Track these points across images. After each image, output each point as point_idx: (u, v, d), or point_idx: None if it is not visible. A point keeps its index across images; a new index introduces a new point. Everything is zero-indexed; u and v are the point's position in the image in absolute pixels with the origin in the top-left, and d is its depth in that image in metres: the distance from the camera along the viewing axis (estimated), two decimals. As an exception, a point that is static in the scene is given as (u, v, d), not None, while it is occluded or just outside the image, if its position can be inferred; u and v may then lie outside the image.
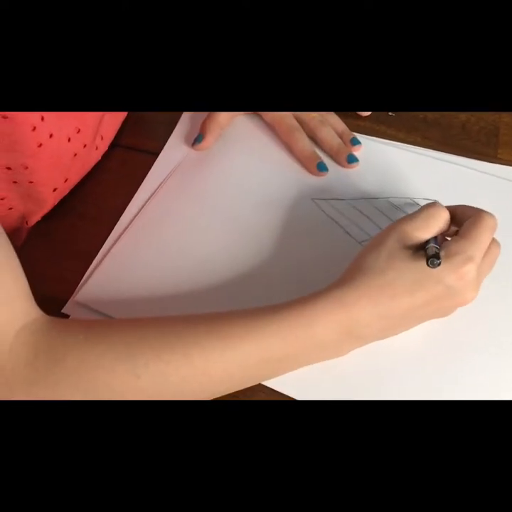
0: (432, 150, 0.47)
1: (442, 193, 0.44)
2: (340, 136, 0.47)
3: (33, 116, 0.38)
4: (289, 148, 0.47)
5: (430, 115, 0.50)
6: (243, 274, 0.41)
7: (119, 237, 0.43)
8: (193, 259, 0.41)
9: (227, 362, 0.32)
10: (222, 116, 0.48)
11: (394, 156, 0.47)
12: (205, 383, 0.32)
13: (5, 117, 0.36)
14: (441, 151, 0.47)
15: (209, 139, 0.47)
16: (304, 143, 0.46)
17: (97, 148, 0.47)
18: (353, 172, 0.46)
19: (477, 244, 0.34)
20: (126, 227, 0.43)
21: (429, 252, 0.32)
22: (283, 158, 0.47)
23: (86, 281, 0.41)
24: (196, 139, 0.47)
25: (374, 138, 0.48)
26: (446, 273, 0.33)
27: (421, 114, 0.50)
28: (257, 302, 0.34)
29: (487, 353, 0.37)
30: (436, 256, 0.32)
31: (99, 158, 0.48)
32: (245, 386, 0.34)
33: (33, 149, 0.39)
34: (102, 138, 0.47)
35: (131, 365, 0.30)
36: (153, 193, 0.45)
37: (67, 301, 0.40)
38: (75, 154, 0.44)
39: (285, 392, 0.36)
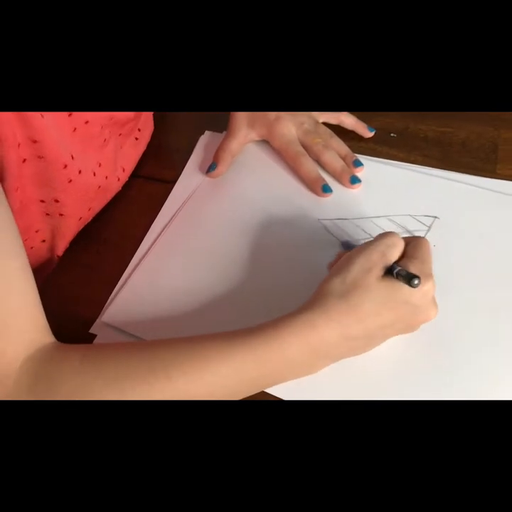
0: (432, 168, 0.50)
1: (443, 210, 0.46)
2: (344, 158, 0.50)
3: (64, 156, 0.42)
4: (296, 172, 0.50)
5: (430, 134, 0.52)
6: (259, 291, 0.44)
7: (140, 261, 0.46)
8: (209, 279, 0.45)
9: (207, 384, 0.34)
10: (233, 145, 0.51)
11: (395, 175, 0.49)
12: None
13: (41, 157, 0.41)
14: (442, 168, 0.49)
15: (222, 167, 0.51)
16: (309, 166, 0.49)
17: (118, 179, 0.51)
18: (357, 192, 0.49)
19: (428, 264, 0.36)
20: (147, 252, 0.47)
21: (405, 274, 0.34)
22: (290, 181, 0.50)
23: (111, 302, 0.44)
24: (210, 167, 0.51)
25: (376, 158, 0.51)
26: (411, 292, 0.35)
27: (421, 133, 0.52)
28: (275, 317, 0.37)
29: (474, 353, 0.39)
30: (414, 276, 0.34)
31: (120, 188, 0.52)
32: (233, 399, 0.36)
33: (64, 184, 0.44)
34: (123, 170, 0.52)
35: (119, 389, 0.33)
36: (171, 219, 0.49)
37: (94, 322, 0.43)
38: (99, 186, 0.48)
39: (272, 392, 0.38)
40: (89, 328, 0.43)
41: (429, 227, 0.46)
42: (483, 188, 0.48)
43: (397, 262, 0.36)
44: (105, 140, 0.47)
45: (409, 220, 0.46)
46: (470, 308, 0.41)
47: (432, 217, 0.46)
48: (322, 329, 0.35)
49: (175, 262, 0.46)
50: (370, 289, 0.35)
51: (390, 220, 0.47)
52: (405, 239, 0.38)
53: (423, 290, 0.35)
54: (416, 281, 0.33)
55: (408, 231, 0.46)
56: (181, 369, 0.34)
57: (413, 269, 0.35)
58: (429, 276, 0.36)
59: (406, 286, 0.34)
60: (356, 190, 0.49)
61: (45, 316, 0.36)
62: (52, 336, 0.37)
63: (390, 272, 0.36)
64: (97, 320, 0.43)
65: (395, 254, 0.37)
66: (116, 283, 0.45)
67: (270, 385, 0.38)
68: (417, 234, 0.45)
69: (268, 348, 0.35)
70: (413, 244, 0.38)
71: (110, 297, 0.45)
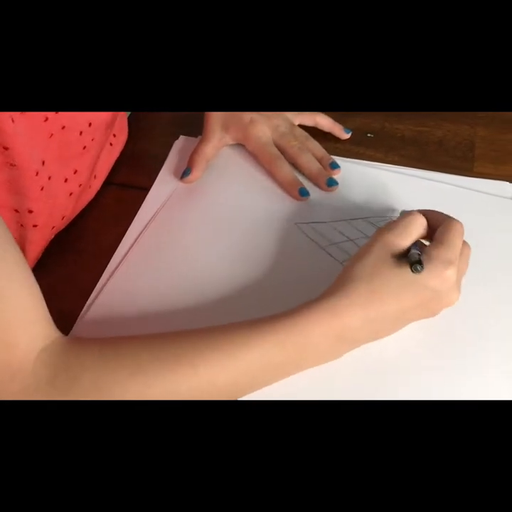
0: (409, 168, 0.49)
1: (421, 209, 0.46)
2: (320, 161, 0.49)
3: (35, 162, 0.41)
4: (272, 176, 0.49)
5: (407, 133, 0.52)
6: (233, 297, 0.43)
7: (114, 271, 0.45)
8: (185, 285, 0.44)
9: (230, 371, 0.34)
10: (208, 149, 0.50)
11: (372, 176, 0.49)
12: (212, 391, 0.34)
13: (13, 165, 0.39)
14: (420, 168, 0.49)
15: (197, 172, 0.50)
16: (285, 170, 0.48)
17: (90, 186, 0.50)
18: (334, 195, 0.48)
19: (453, 249, 0.36)
20: (121, 262, 0.46)
21: (412, 259, 0.34)
22: (266, 185, 0.49)
23: (85, 314, 0.43)
24: (184, 173, 0.50)
25: (353, 160, 0.50)
26: (431, 278, 0.35)
27: (398, 133, 0.52)
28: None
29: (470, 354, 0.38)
30: (419, 262, 0.34)
31: (93, 196, 0.51)
32: (251, 392, 0.36)
33: (37, 192, 0.42)
34: (95, 177, 0.50)
35: (143, 378, 0.33)
36: (146, 227, 0.48)
37: (68, 333, 0.42)
38: (71, 193, 0.46)
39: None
40: (62, 342, 0.42)
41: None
42: (461, 187, 0.47)
43: (421, 244, 0.36)
44: (85, 147, 0.46)
45: (387, 221, 0.46)
46: (449, 309, 0.40)
47: (410, 217, 0.46)
48: (345, 314, 0.35)
49: (150, 270, 0.45)
50: (390, 273, 0.35)
51: (369, 222, 0.46)
52: (438, 218, 0.38)
53: (443, 276, 0.35)
54: (418, 267, 0.33)
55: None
56: (204, 357, 0.34)
57: (434, 253, 0.35)
58: (451, 262, 0.35)
59: (425, 272, 0.34)
60: (334, 192, 0.48)
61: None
62: (60, 332, 0.36)
63: (406, 254, 0.36)
64: (71, 331, 0.42)
65: (413, 235, 0.37)
66: (90, 294, 0.44)
67: (293, 372, 0.37)
68: None
69: (292, 333, 0.35)
70: (442, 227, 0.37)
71: (84, 309, 0.43)
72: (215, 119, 0.51)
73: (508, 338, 0.39)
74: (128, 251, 0.46)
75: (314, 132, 0.51)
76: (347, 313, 0.35)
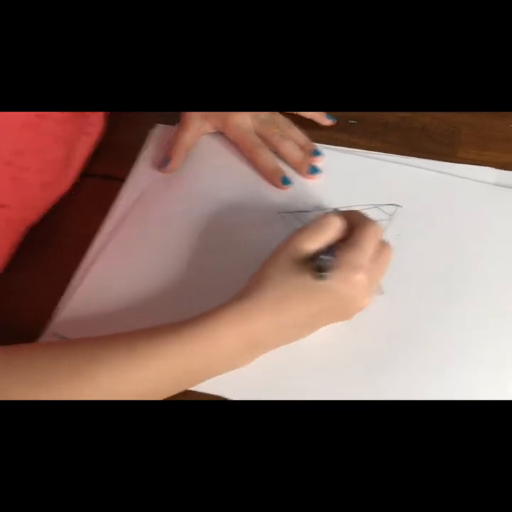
0: (393, 155, 0.48)
1: (405, 198, 0.45)
2: (302, 148, 0.48)
3: (7, 152, 0.39)
4: (253, 164, 0.48)
5: (391, 119, 0.51)
6: (214, 289, 0.41)
7: (90, 266, 0.44)
8: (164, 279, 0.42)
9: (135, 382, 0.33)
10: (188, 138, 0.49)
11: (356, 163, 0.48)
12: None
13: None
14: (403, 154, 0.48)
15: (175, 162, 0.48)
16: (266, 158, 0.47)
17: (65, 177, 0.48)
18: (317, 183, 0.47)
19: (364, 253, 0.35)
20: (97, 256, 0.44)
21: (317, 265, 0.33)
22: (248, 174, 0.48)
23: (61, 310, 0.41)
24: (163, 163, 0.48)
25: (336, 147, 0.49)
26: (339, 283, 0.34)
27: (382, 119, 0.51)
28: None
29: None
30: (321, 269, 0.33)
31: (68, 187, 0.49)
32: (162, 397, 0.35)
33: (8, 183, 0.40)
34: (70, 167, 0.49)
35: (38, 395, 0.31)
36: (122, 219, 0.46)
37: (43, 331, 0.41)
38: (44, 184, 0.45)
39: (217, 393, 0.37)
40: (37, 339, 0.40)
41: (391, 215, 0.44)
42: (445, 173, 0.47)
43: (336, 247, 0.35)
44: (58, 136, 0.44)
45: (372, 210, 0.45)
46: (434, 297, 0.40)
47: (395, 205, 0.45)
48: (254, 319, 0.34)
49: (127, 263, 0.44)
50: (297, 279, 0.34)
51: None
52: (355, 219, 0.37)
53: (351, 281, 0.34)
54: (322, 275, 0.32)
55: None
56: (107, 367, 0.32)
57: (343, 258, 0.34)
58: (361, 266, 0.34)
59: (333, 278, 0.33)
60: (316, 180, 0.47)
61: None
62: None
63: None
64: (46, 330, 0.41)
65: (321, 239, 0.35)
66: (65, 290, 0.43)
67: (204, 380, 0.36)
68: (380, 224, 0.44)
69: (200, 341, 0.33)
70: (356, 230, 0.36)
71: (59, 305, 0.42)
72: (194, 106, 0.50)
73: (491, 325, 0.39)
74: (104, 245, 0.45)
75: (296, 120, 0.50)
76: (257, 319, 0.34)
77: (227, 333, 0.34)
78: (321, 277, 0.33)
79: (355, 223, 0.37)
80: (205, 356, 0.34)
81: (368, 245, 0.35)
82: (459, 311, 0.39)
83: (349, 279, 0.34)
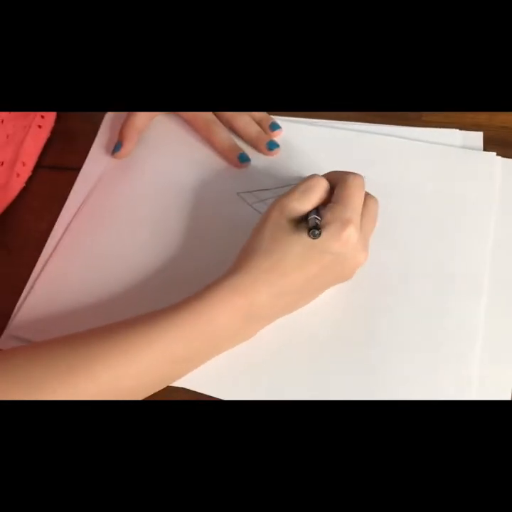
0: (355, 122, 0.46)
1: (371, 167, 0.43)
2: (259, 123, 0.46)
3: None
4: (209, 143, 0.46)
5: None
6: (175, 275, 0.40)
7: (47, 262, 0.42)
8: (123, 270, 0.41)
9: (135, 374, 0.32)
10: (139, 120, 0.46)
11: (317, 135, 0.46)
12: (117, 395, 0.32)
13: None
14: (365, 121, 0.46)
15: (128, 146, 0.46)
16: (222, 135, 0.45)
17: (18, 175, 0.46)
18: (276, 159, 0.45)
19: (350, 207, 0.34)
20: (53, 251, 0.43)
21: (310, 224, 0.33)
22: (205, 154, 0.46)
23: (17, 312, 0.40)
24: (115, 148, 0.46)
25: (294, 118, 0.47)
26: (329, 241, 0.33)
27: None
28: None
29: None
30: (316, 227, 0.32)
31: (23, 184, 0.47)
32: (160, 388, 0.34)
33: None
34: (23, 164, 0.47)
35: (39, 395, 0.30)
36: (78, 210, 0.44)
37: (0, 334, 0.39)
38: (-4, 186, 0.43)
39: (207, 393, 0.36)
40: (-5, 344, 0.39)
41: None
42: (411, 139, 0.45)
43: (323, 208, 0.34)
44: (8, 136, 0.42)
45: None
46: (405, 265, 0.39)
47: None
48: (248, 291, 0.33)
49: (84, 257, 0.42)
50: (290, 242, 0.33)
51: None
52: (336, 177, 0.36)
53: (342, 237, 0.33)
54: (316, 232, 0.32)
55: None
56: (104, 361, 0.31)
57: (330, 214, 0.33)
58: (350, 221, 0.33)
59: (323, 237, 0.32)
60: (276, 156, 0.45)
61: None
62: None
63: (305, 220, 0.34)
64: (4, 333, 0.39)
65: (312, 200, 0.34)
66: (23, 290, 0.41)
67: (205, 361, 0.35)
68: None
69: (196, 323, 0.33)
70: (338, 186, 0.35)
71: (16, 306, 0.40)
72: (145, 87, 0.47)
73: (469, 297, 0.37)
74: (60, 239, 0.43)
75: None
76: (252, 291, 0.33)
77: (224, 310, 0.33)
78: (314, 236, 0.32)
79: (336, 182, 0.36)
80: (205, 338, 0.33)
81: (353, 199, 0.34)
82: (427, 281, 0.38)
83: (340, 235, 0.33)
